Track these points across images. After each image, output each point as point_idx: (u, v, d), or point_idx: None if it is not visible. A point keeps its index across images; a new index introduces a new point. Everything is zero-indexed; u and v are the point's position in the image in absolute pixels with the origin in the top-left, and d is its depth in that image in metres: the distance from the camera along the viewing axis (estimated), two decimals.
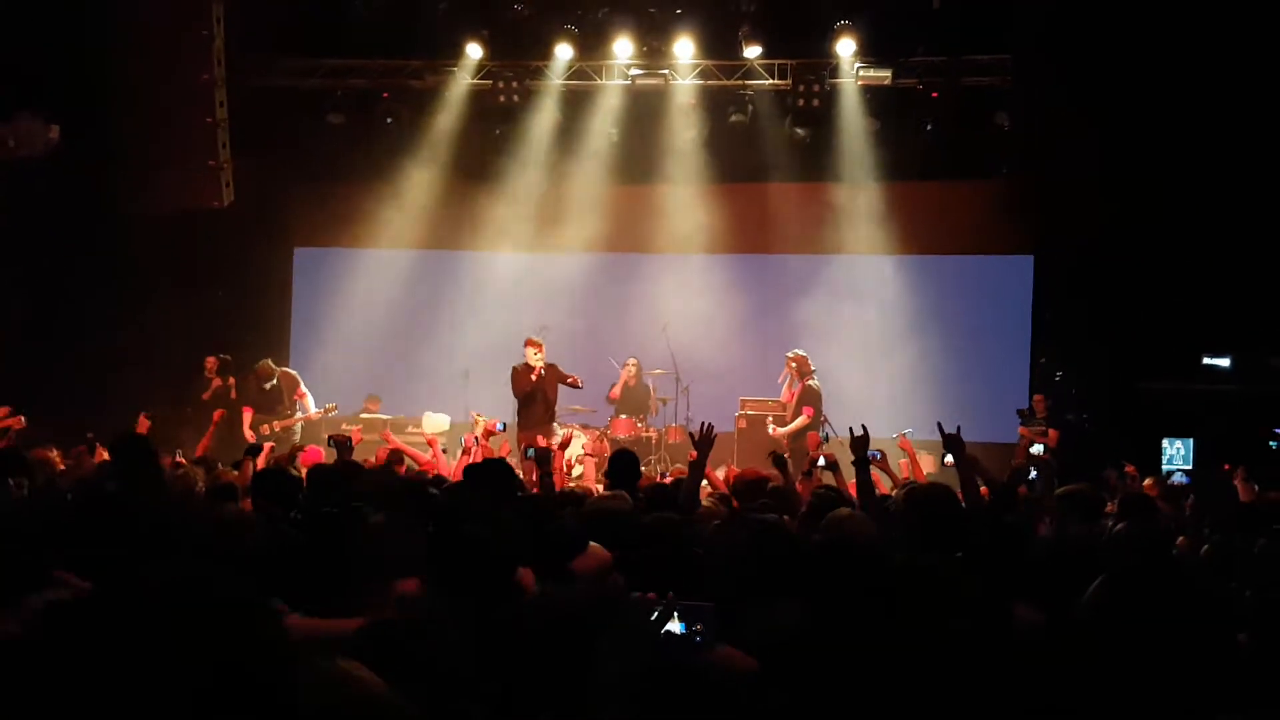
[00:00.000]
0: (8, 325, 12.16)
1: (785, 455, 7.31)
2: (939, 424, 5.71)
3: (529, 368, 11.19)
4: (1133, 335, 12.44)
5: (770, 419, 12.27)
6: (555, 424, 11.56)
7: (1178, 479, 10.67)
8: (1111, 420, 12.62)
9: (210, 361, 12.94)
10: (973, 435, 11.37)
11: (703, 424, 6.02)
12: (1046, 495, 7.61)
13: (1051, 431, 12.21)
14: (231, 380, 12.89)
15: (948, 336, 13.55)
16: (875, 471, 7.65)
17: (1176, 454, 12.29)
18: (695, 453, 5.80)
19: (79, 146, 12.48)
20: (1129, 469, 9.31)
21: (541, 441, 11.60)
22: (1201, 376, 12.75)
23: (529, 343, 11.32)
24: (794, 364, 12.18)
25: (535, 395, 11.14)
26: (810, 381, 12.02)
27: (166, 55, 12.72)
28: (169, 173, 12.92)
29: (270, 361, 12.27)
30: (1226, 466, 9.03)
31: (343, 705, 1.74)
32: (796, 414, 11.91)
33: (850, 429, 5.83)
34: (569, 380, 11.42)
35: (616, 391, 12.77)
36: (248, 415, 12.05)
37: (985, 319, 13.79)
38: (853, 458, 5.53)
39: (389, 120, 13.81)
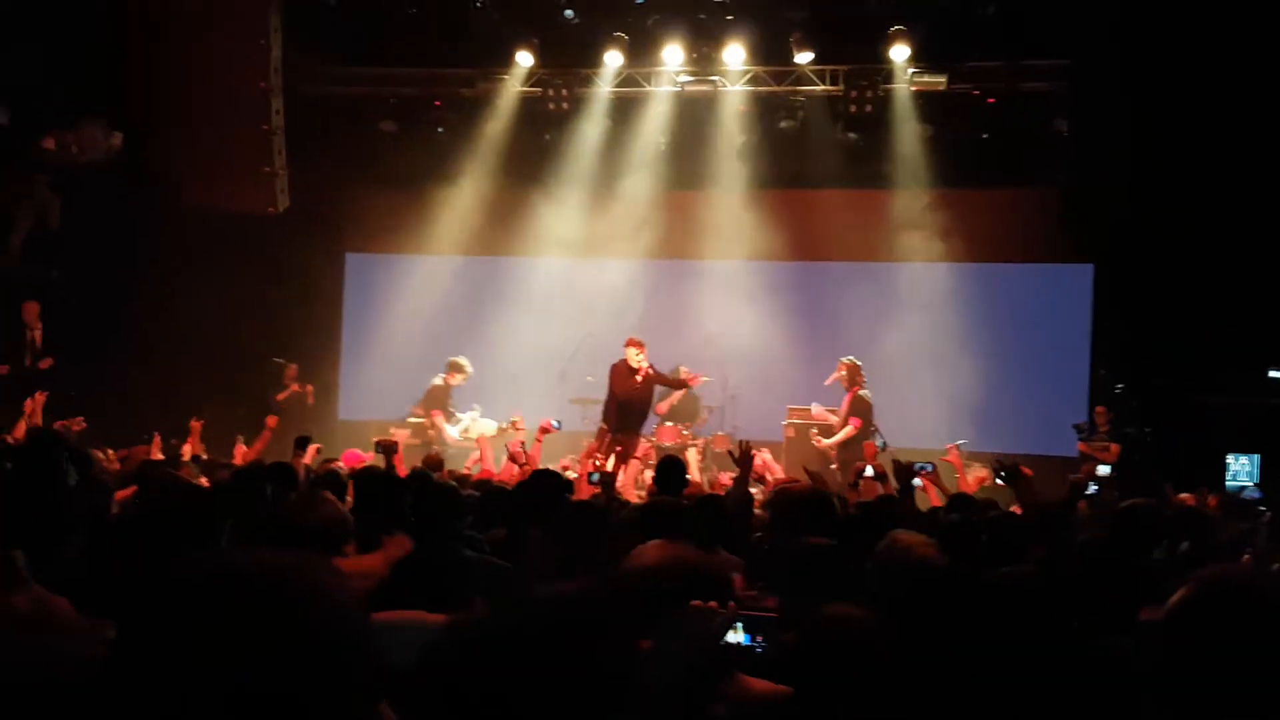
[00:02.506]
0: (70, 327, 12.45)
1: (833, 465, 7.30)
2: (998, 460, 5.83)
3: (632, 368, 11.12)
4: (1196, 347, 12.05)
5: (815, 430, 12.08)
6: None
7: (1249, 494, 10.35)
8: (1173, 435, 12.24)
9: (291, 369, 13.43)
10: (1029, 448, 11.35)
11: (741, 443, 6.21)
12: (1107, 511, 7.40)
13: (1113, 446, 11.89)
14: (310, 387, 13.36)
15: (1004, 346, 13.28)
16: (928, 484, 7.56)
17: (1241, 469, 11.92)
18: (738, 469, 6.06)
19: (140, 153, 12.79)
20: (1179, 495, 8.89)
21: (644, 447, 11.73)
22: (1268, 390, 12.32)
23: (631, 342, 11.25)
24: (845, 371, 11.94)
25: (635, 398, 11.11)
26: (861, 391, 11.79)
27: (225, 65, 12.97)
28: (226, 179, 13.18)
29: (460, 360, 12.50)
30: None
31: None
32: (844, 424, 11.72)
33: (894, 460, 5.90)
34: (681, 380, 11.41)
35: (664, 407, 12.65)
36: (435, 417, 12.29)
37: (1043, 329, 13.48)
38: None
39: (440, 128, 13.96)
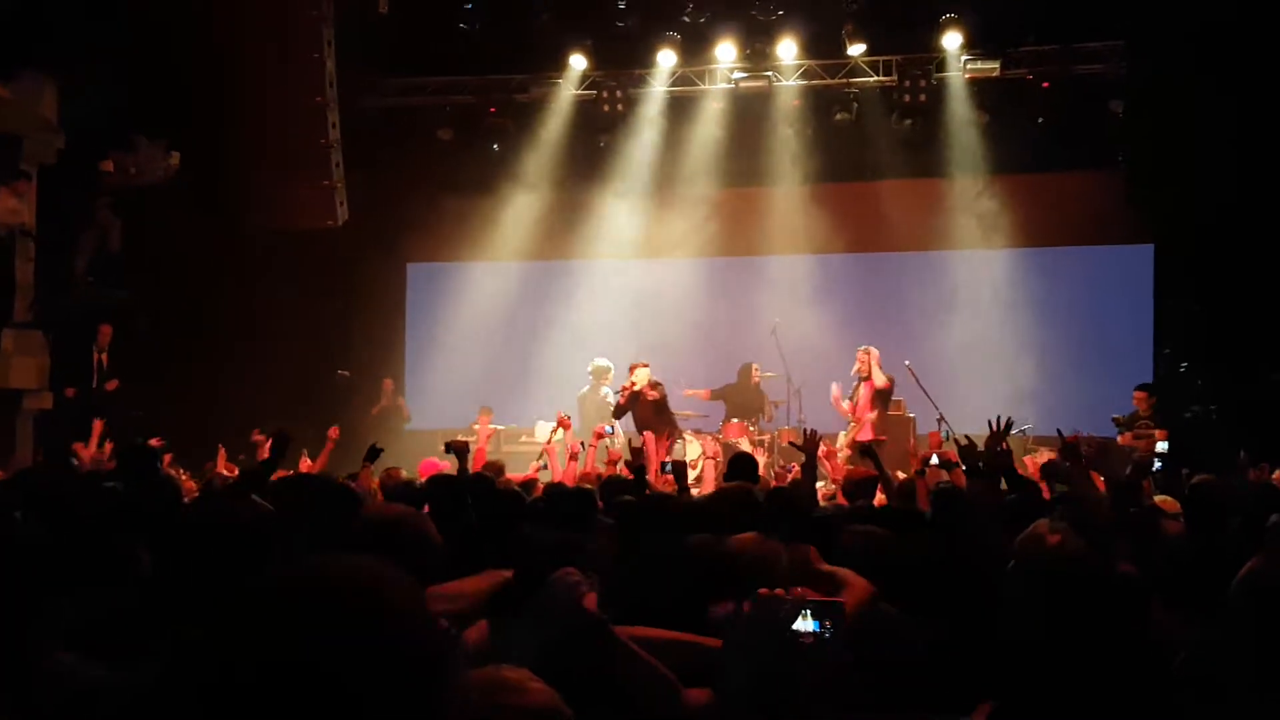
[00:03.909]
0: (136, 347, 12.52)
1: (882, 440, 7.32)
2: (1058, 430, 5.94)
3: (638, 392, 11.44)
4: (1258, 324, 12.02)
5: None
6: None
7: None
8: (1237, 412, 12.20)
9: (387, 383, 13.74)
10: (1094, 431, 11.28)
11: (806, 430, 6.36)
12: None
13: (1158, 432, 11.40)
14: (401, 400, 13.62)
15: (1068, 329, 13.29)
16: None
17: None
18: (804, 456, 6.15)
19: (199, 172, 12.85)
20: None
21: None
22: None
23: (634, 367, 11.57)
24: (867, 360, 11.87)
25: (649, 414, 11.37)
26: (879, 384, 11.73)
27: (280, 80, 13.01)
28: (285, 194, 13.23)
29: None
30: None
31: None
32: (864, 414, 11.75)
33: (955, 439, 5.91)
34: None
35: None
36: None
37: (1106, 310, 13.47)
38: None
39: (496, 134, 13.98)
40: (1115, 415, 11.77)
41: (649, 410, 11.49)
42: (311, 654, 1.25)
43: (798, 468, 10.18)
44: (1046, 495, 5.89)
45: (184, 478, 8.33)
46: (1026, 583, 2.67)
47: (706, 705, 2.38)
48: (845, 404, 11.92)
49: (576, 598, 2.33)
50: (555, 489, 5.68)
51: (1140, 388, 11.83)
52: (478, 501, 5.03)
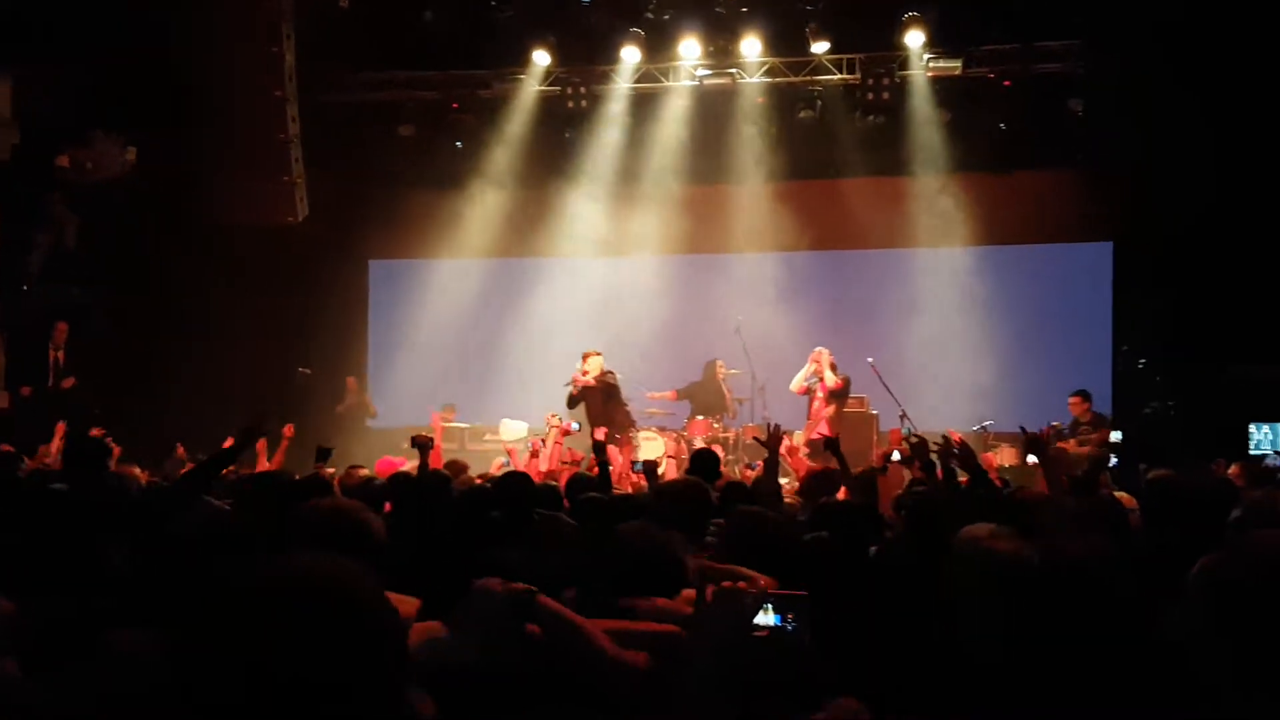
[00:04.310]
0: (92, 344, 12.35)
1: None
2: (1021, 427, 5.92)
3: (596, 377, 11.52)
4: (1216, 320, 12.19)
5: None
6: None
7: (1271, 461, 10.47)
8: (1196, 407, 12.38)
9: (350, 381, 13.73)
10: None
11: (769, 424, 6.35)
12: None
13: (1094, 435, 11.37)
14: (367, 397, 13.63)
15: (1028, 326, 13.41)
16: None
17: (1264, 439, 12.09)
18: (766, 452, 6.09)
19: (156, 166, 12.67)
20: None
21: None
22: None
23: (587, 356, 11.73)
24: (819, 363, 11.96)
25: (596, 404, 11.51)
26: (831, 384, 11.82)
27: (238, 74, 12.85)
28: (244, 190, 13.06)
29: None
30: None
31: None
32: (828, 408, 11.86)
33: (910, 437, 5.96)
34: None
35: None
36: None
37: (1065, 308, 13.61)
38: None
39: (459, 130, 13.89)
40: (1054, 423, 11.34)
41: (598, 400, 11.53)
42: (283, 655, 1.32)
43: (762, 464, 10.24)
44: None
45: (142, 476, 8.20)
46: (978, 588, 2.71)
47: (647, 669, 2.39)
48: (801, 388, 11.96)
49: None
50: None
51: (1075, 393, 11.78)
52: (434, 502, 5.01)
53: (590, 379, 11.62)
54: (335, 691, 1.33)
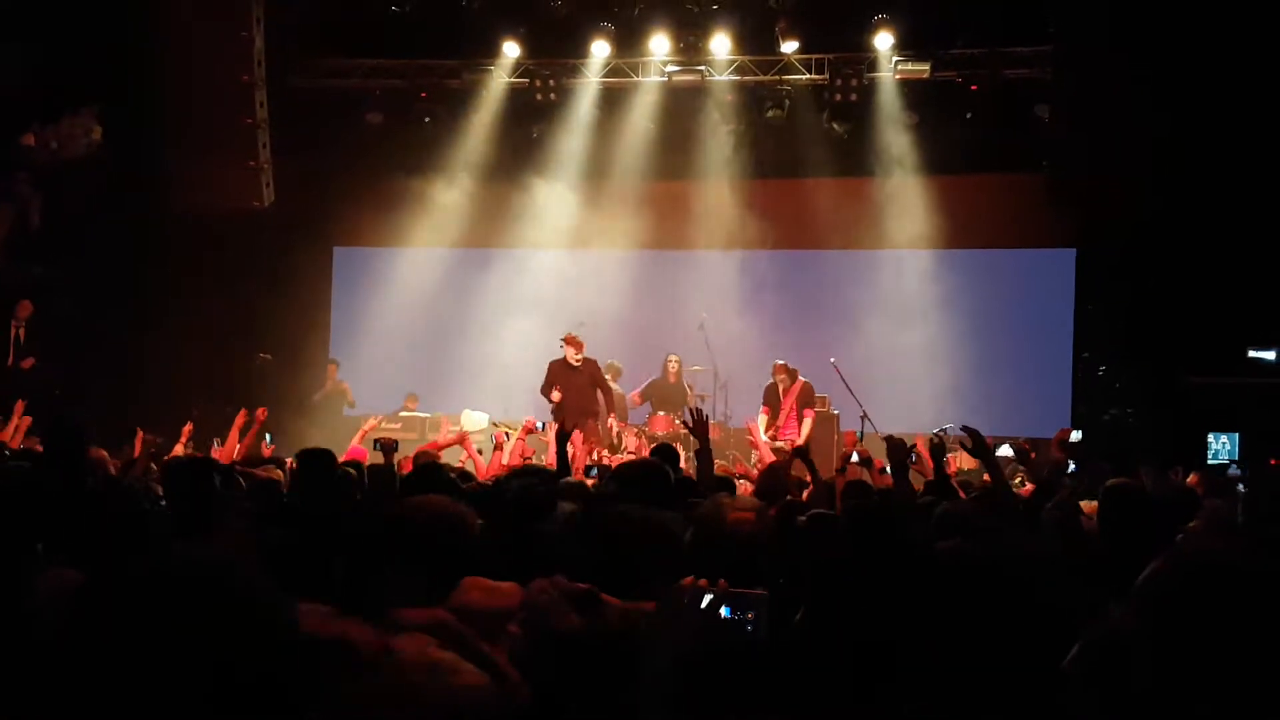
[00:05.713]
0: (55, 324, 12.31)
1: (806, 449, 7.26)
2: (964, 426, 5.79)
3: (572, 365, 11.45)
4: (1177, 329, 12.24)
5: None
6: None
7: (1234, 471, 10.52)
8: (1156, 415, 12.43)
9: (331, 367, 13.69)
10: (1014, 431, 11.41)
11: (693, 410, 6.05)
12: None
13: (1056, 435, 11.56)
14: (345, 385, 13.49)
15: (990, 331, 13.43)
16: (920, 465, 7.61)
17: (1222, 448, 12.12)
18: (697, 442, 5.75)
19: (122, 148, 12.64)
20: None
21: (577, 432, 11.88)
22: (1247, 370, 12.54)
23: (569, 341, 11.55)
24: (784, 375, 12.11)
25: (575, 394, 11.36)
26: (800, 381, 11.98)
27: (207, 57, 12.84)
28: (210, 174, 13.05)
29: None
30: (1274, 461, 8.88)
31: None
32: (800, 419, 11.93)
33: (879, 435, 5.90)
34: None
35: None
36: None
37: (1027, 313, 13.63)
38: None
39: (427, 120, 13.89)
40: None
41: (584, 385, 11.54)
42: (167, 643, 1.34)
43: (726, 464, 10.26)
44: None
45: (105, 456, 8.18)
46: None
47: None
48: (762, 424, 11.91)
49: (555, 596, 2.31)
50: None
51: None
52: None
53: (577, 361, 11.57)
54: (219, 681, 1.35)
